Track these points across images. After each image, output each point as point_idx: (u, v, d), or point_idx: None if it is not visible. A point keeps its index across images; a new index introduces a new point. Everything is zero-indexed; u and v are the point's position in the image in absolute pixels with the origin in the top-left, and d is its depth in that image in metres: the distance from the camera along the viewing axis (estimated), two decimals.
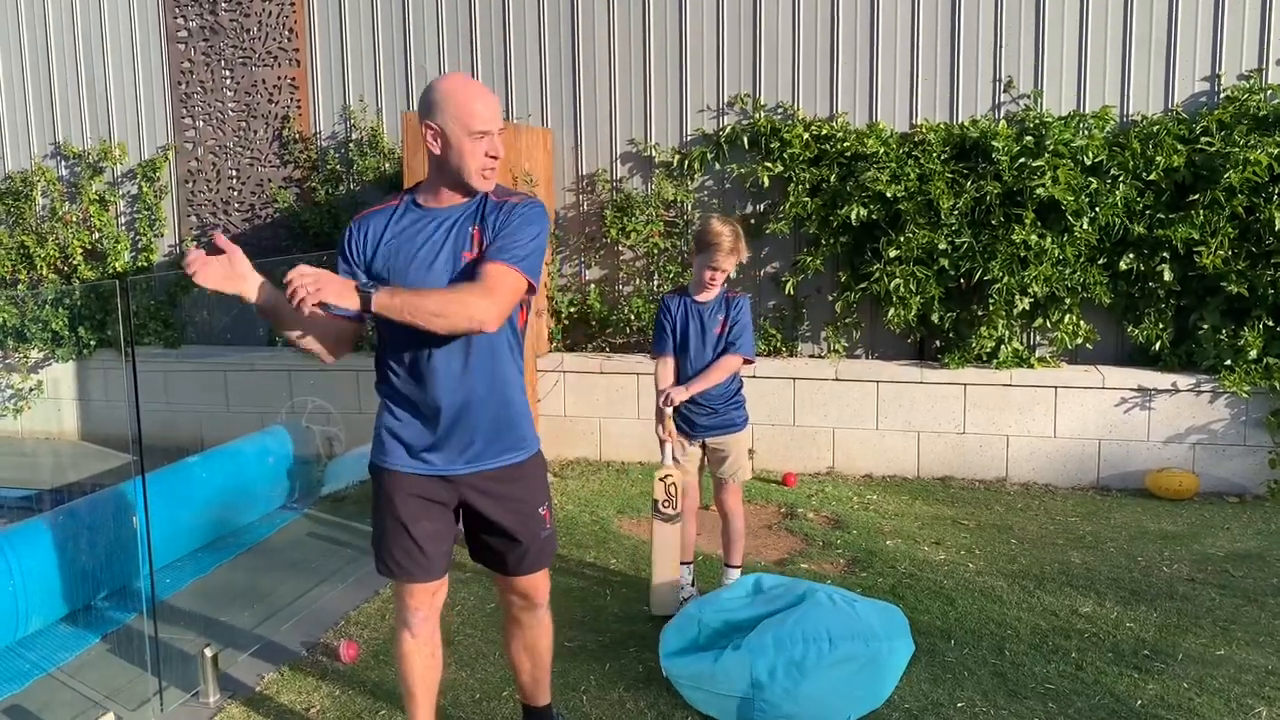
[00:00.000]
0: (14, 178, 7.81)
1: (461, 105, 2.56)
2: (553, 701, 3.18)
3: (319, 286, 2.37)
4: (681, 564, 4.28)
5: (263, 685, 3.68)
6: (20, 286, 7.83)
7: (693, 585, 4.32)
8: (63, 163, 7.81)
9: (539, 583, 2.90)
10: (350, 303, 2.41)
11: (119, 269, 7.65)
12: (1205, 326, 5.89)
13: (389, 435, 2.75)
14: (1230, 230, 5.72)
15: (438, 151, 2.61)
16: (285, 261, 7.30)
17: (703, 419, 4.11)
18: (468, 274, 2.57)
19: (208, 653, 3.57)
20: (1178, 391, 5.84)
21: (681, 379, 4.09)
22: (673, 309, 4.09)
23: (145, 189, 7.58)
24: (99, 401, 7.74)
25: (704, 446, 4.19)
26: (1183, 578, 4.51)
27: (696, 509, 4.32)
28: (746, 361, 4.09)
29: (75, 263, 7.70)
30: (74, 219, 7.73)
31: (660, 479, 4.03)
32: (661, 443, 4.11)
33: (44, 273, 7.78)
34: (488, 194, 2.68)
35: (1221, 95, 5.98)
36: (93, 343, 7.63)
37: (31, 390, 7.76)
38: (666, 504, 4.02)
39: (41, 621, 4.17)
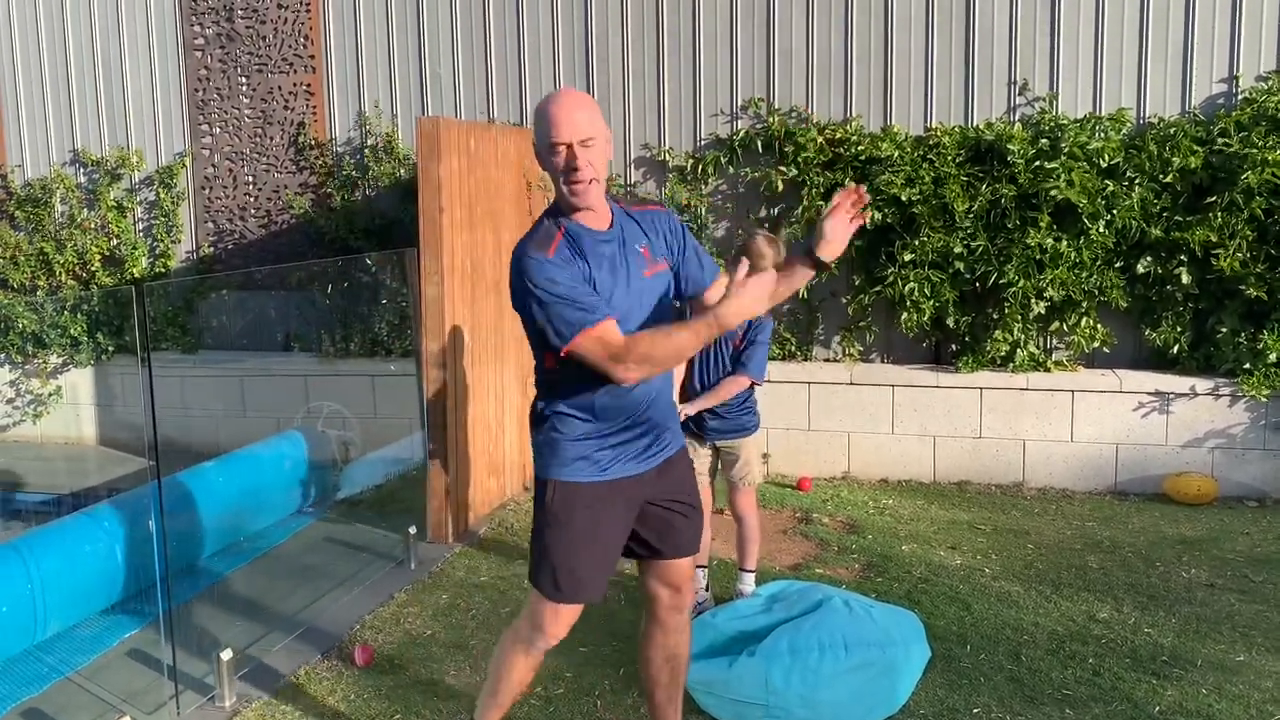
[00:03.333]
0: (33, 185, 7.87)
1: (541, 122, 2.52)
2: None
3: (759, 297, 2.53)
4: (697, 568, 4.28)
5: (278, 689, 3.69)
6: (39, 293, 7.90)
7: (707, 589, 4.32)
8: (81, 170, 7.87)
9: (691, 573, 2.91)
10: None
11: (136, 275, 7.71)
12: (1224, 329, 5.85)
13: (582, 447, 2.67)
14: (1249, 232, 5.68)
15: (543, 169, 2.64)
16: (301, 267, 7.35)
17: (714, 422, 4.11)
18: (655, 288, 2.67)
19: (224, 657, 3.59)
20: (1196, 395, 5.80)
21: (691, 383, 4.09)
22: None
23: (162, 195, 7.63)
24: (117, 406, 7.79)
25: (715, 449, 4.19)
26: (1201, 583, 4.48)
27: (710, 511, 4.31)
28: (753, 384, 4.10)
29: (93, 269, 7.75)
30: (92, 225, 7.79)
31: None
32: None
33: (63, 279, 7.84)
34: (624, 209, 2.70)
35: (1239, 96, 5.94)
36: (111, 348, 7.68)
37: (50, 395, 7.82)
38: None
39: (60, 625, 4.20)
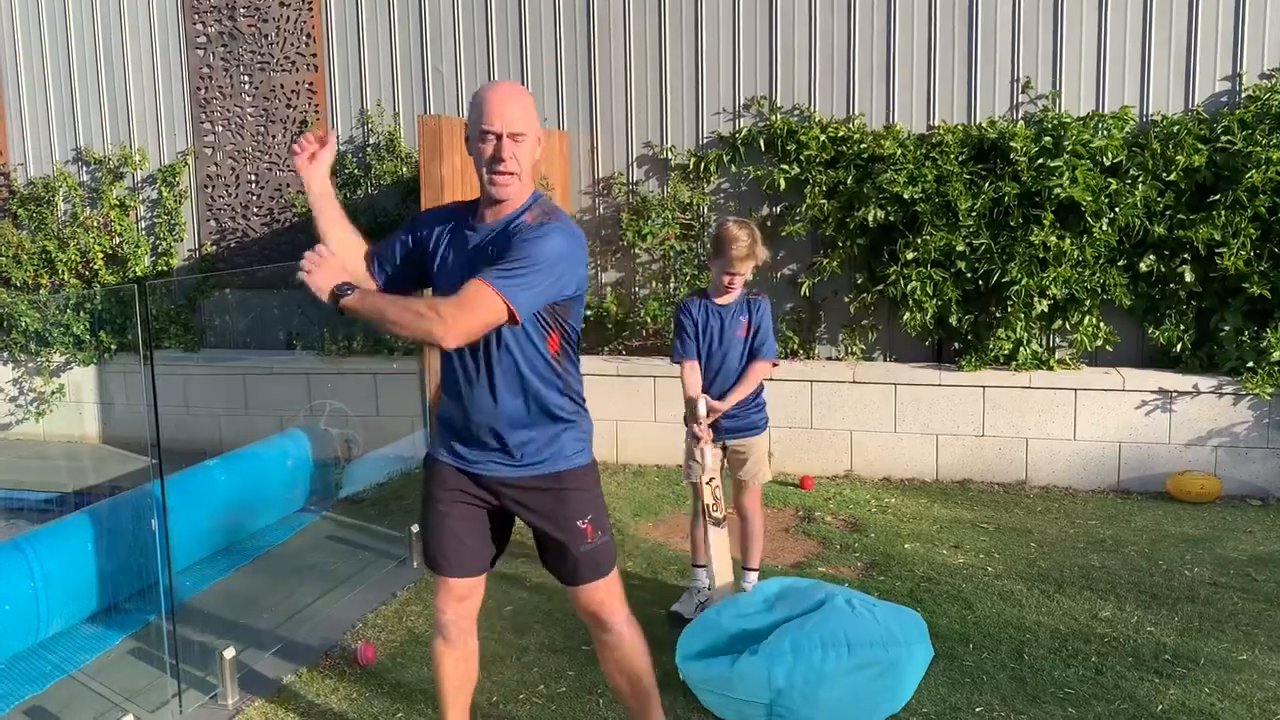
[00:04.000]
0: (36, 183, 7.88)
1: (477, 106, 2.55)
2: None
3: (309, 270, 2.50)
4: (697, 566, 4.28)
5: (280, 687, 3.69)
6: (42, 291, 7.90)
7: (709, 587, 4.31)
8: (84, 168, 7.88)
9: (597, 598, 2.80)
10: (324, 296, 2.47)
11: (139, 273, 7.71)
12: (1227, 328, 5.84)
13: (442, 426, 2.81)
14: (1252, 231, 5.67)
15: (470, 154, 2.62)
16: None
17: (725, 421, 4.10)
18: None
19: (226, 655, 3.59)
20: (1199, 394, 5.79)
21: (705, 383, 4.08)
22: (694, 312, 4.07)
23: (165, 194, 7.63)
24: (119, 405, 7.79)
25: (724, 449, 4.19)
26: (1205, 581, 4.47)
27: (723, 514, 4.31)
28: (773, 365, 4.10)
29: (96, 267, 7.76)
30: (95, 224, 7.80)
31: (707, 483, 4.01)
32: (700, 449, 4.04)
33: (65, 277, 7.84)
34: (527, 212, 2.59)
35: (1243, 94, 5.93)
36: (113, 347, 7.69)
37: (53, 394, 7.82)
38: (715, 508, 4.01)
39: (62, 623, 4.20)
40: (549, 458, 2.73)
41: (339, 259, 2.55)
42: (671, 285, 6.75)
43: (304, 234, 7.44)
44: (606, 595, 2.82)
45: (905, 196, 5.94)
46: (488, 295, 2.41)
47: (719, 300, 4.07)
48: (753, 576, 4.28)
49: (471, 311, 2.40)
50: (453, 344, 2.41)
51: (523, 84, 6.92)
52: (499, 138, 2.51)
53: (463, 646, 2.90)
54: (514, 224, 2.58)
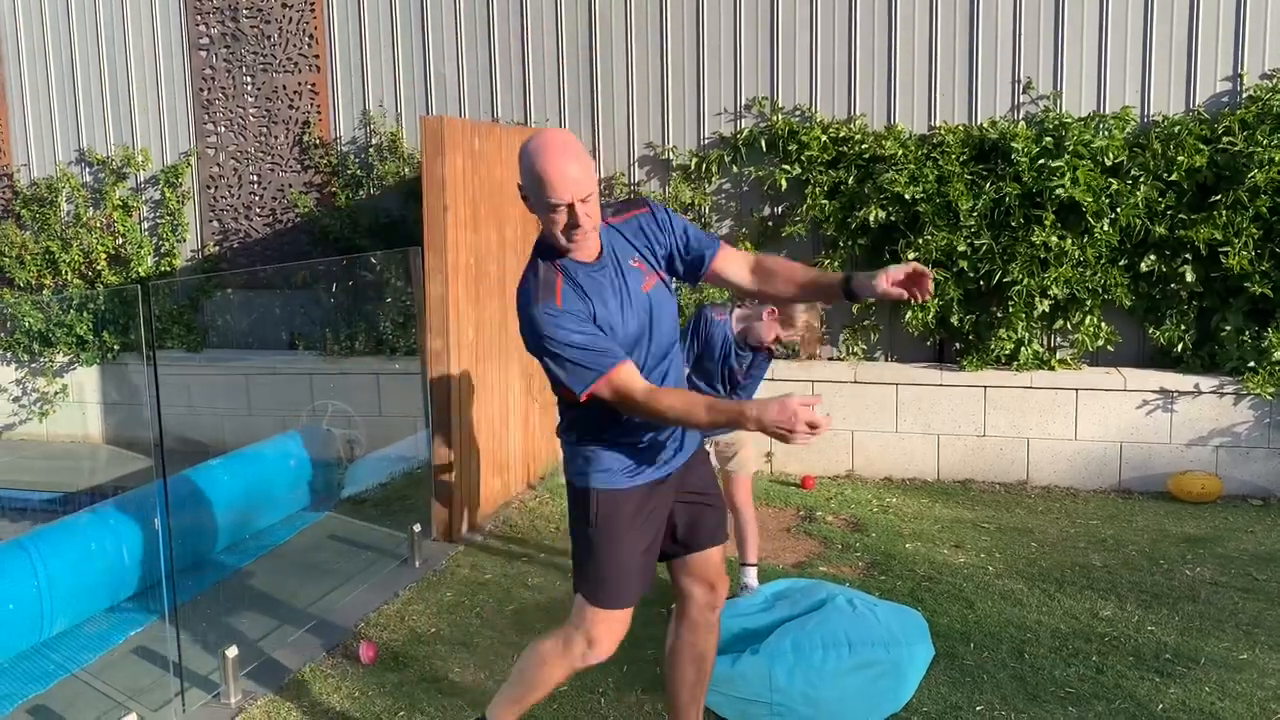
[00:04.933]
0: (39, 184, 7.90)
1: (538, 176, 2.41)
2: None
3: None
4: None
5: (283, 686, 3.70)
6: (45, 291, 7.92)
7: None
8: (87, 169, 7.90)
9: (724, 568, 2.90)
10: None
11: (142, 273, 7.73)
12: (1228, 328, 5.84)
13: (617, 452, 2.66)
14: (1254, 231, 5.67)
15: (530, 211, 2.55)
16: (305, 266, 7.36)
17: None
18: (658, 300, 2.66)
19: (229, 654, 3.60)
20: (1200, 393, 5.79)
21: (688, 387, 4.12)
22: (715, 328, 4.07)
23: (168, 194, 7.65)
24: (122, 405, 7.81)
25: (714, 445, 4.21)
26: (1205, 581, 4.48)
27: None
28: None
29: (99, 268, 7.77)
30: (98, 224, 7.81)
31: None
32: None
33: (69, 278, 7.86)
34: (610, 223, 2.65)
35: (1244, 95, 5.93)
36: (116, 347, 7.70)
37: (57, 394, 7.84)
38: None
39: (66, 623, 4.22)
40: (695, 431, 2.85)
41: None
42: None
43: (305, 234, 7.46)
44: (725, 562, 2.92)
45: (906, 197, 5.94)
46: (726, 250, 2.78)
47: (743, 348, 4.10)
48: (751, 572, 4.29)
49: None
50: None
51: (524, 83, 6.93)
52: (570, 207, 2.43)
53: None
54: (638, 224, 2.69)
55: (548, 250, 2.57)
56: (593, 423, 2.64)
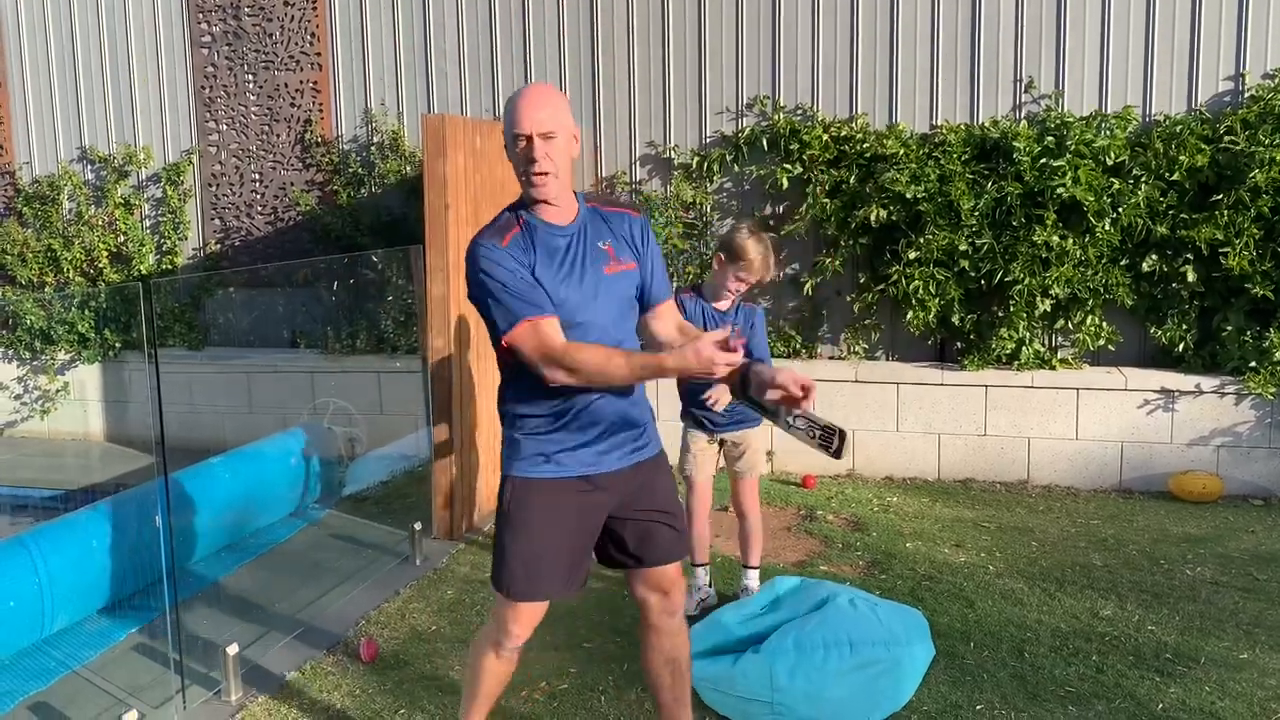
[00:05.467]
0: (41, 182, 7.90)
1: (508, 113, 2.57)
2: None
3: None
4: (697, 566, 4.29)
5: (283, 684, 3.71)
6: (47, 289, 7.93)
7: (709, 585, 4.33)
8: (89, 167, 7.90)
9: (679, 576, 2.87)
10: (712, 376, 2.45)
11: (144, 271, 7.73)
12: (1229, 328, 5.84)
13: (551, 443, 2.67)
14: (1255, 231, 5.67)
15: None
16: (307, 264, 7.37)
17: (721, 416, 4.11)
18: (621, 293, 2.66)
19: (230, 651, 3.60)
20: (1201, 393, 5.79)
21: (686, 386, 4.11)
22: (688, 308, 4.03)
23: (170, 192, 7.65)
24: (124, 402, 7.82)
25: (721, 444, 4.20)
26: (1206, 581, 4.48)
27: (709, 511, 4.32)
28: None
29: (101, 265, 7.78)
30: (99, 222, 7.82)
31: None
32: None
33: (70, 275, 7.86)
34: (593, 206, 2.69)
35: (1246, 94, 5.93)
36: (118, 345, 7.71)
37: (58, 391, 7.85)
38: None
39: (67, 620, 4.22)
40: (657, 437, 2.84)
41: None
42: (675, 284, 6.75)
43: (307, 232, 7.46)
44: (680, 572, 2.89)
45: (908, 196, 5.94)
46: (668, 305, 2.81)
47: (717, 305, 4.05)
48: (754, 575, 4.29)
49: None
50: None
51: (526, 82, 6.87)
52: (529, 139, 2.53)
53: (515, 662, 2.90)
54: (624, 220, 2.71)
55: (520, 204, 2.66)
56: (521, 404, 2.67)
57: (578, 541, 2.71)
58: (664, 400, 6.41)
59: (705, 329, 4.01)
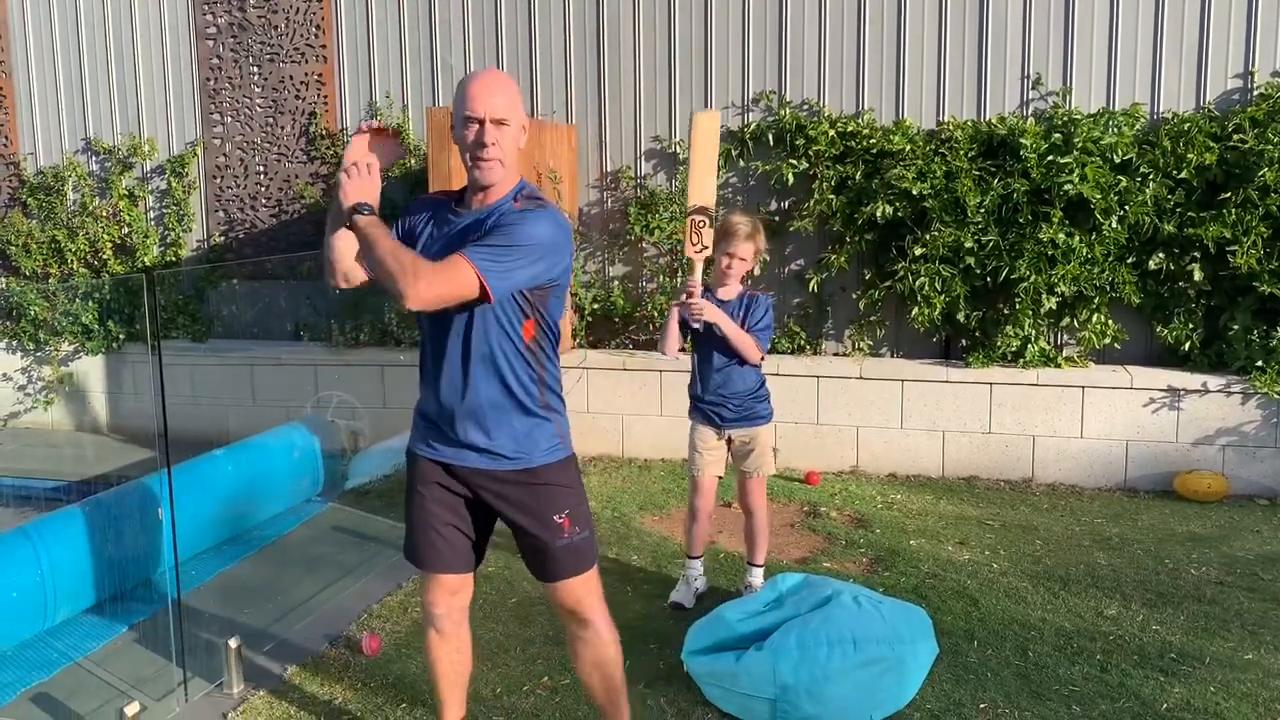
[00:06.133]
0: (46, 173, 7.90)
1: (461, 92, 2.57)
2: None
3: (348, 177, 2.53)
4: (691, 558, 4.29)
5: (286, 677, 3.70)
6: (51, 280, 7.92)
7: (703, 576, 4.34)
8: (93, 158, 7.89)
9: (575, 595, 2.76)
10: (347, 203, 2.52)
11: (148, 263, 7.73)
12: (1236, 327, 5.82)
13: (418, 419, 2.83)
14: (1263, 230, 5.64)
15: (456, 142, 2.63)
16: (311, 256, 7.36)
17: (729, 412, 4.10)
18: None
19: (232, 644, 3.60)
20: (1207, 392, 5.77)
21: (698, 371, 4.11)
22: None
23: (174, 184, 7.65)
24: (127, 394, 7.82)
25: (729, 441, 4.19)
26: (1211, 580, 4.46)
27: (713, 507, 4.32)
28: (759, 354, 4.05)
29: (105, 257, 7.78)
30: (104, 213, 7.81)
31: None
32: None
33: (74, 266, 7.86)
34: (514, 199, 2.62)
35: (1255, 92, 5.90)
36: (122, 336, 7.71)
37: (61, 383, 7.85)
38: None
39: (69, 611, 4.22)
40: (526, 453, 2.69)
41: (377, 182, 2.56)
42: (679, 280, 6.74)
43: (311, 225, 7.45)
44: (585, 592, 2.78)
45: (914, 192, 5.92)
46: (464, 269, 2.41)
47: (721, 295, 4.07)
48: (758, 573, 4.28)
49: (445, 281, 2.40)
50: (413, 305, 2.37)
51: (532, 76, 6.92)
52: (481, 123, 2.54)
53: (457, 639, 2.92)
54: (500, 210, 2.59)
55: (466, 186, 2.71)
56: (419, 379, 2.80)
57: (433, 519, 2.79)
58: (669, 397, 6.41)
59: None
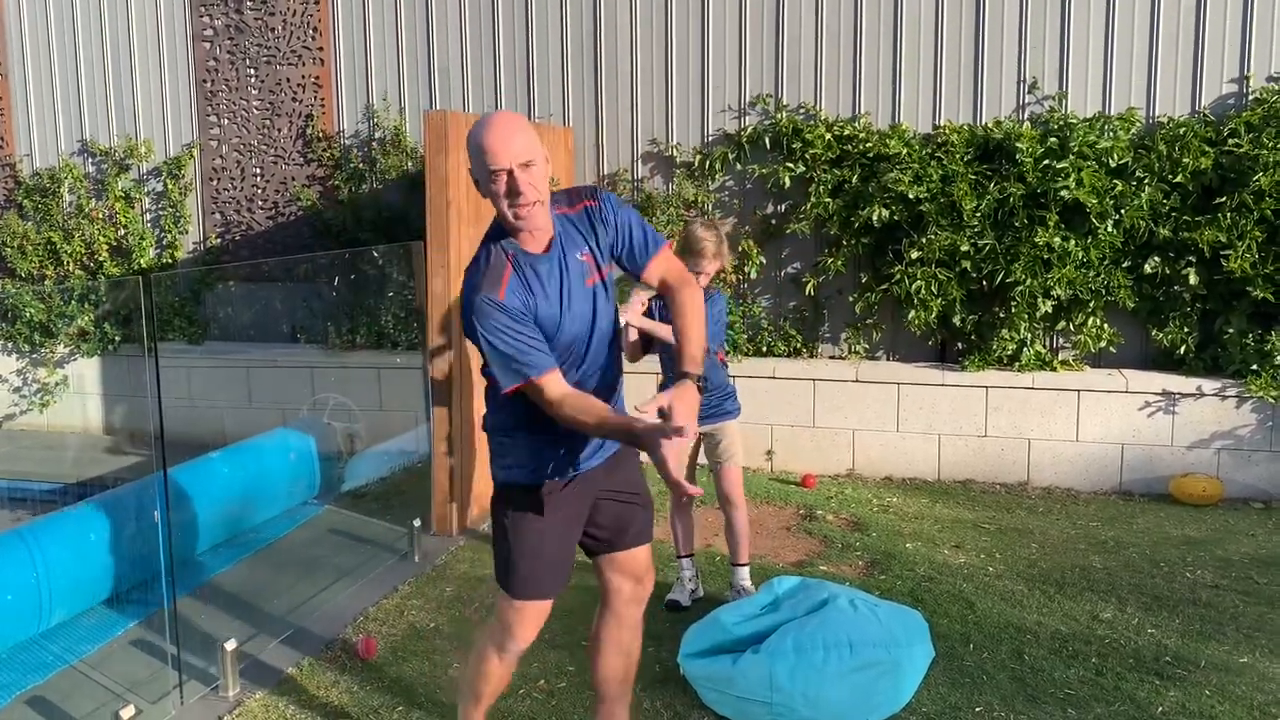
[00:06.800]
0: (42, 174, 7.89)
1: (478, 149, 2.48)
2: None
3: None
4: (682, 557, 4.31)
5: (281, 680, 3.70)
6: (47, 282, 7.91)
7: (696, 577, 4.35)
8: (90, 160, 7.89)
9: (650, 563, 2.92)
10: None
11: (144, 265, 7.72)
12: (1231, 331, 5.83)
13: (527, 451, 2.69)
14: (1258, 234, 5.66)
15: (484, 197, 2.56)
16: (307, 259, 7.36)
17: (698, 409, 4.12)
18: (599, 295, 2.65)
19: (228, 647, 3.60)
20: (1203, 396, 5.79)
21: (663, 375, 4.21)
22: (653, 308, 4.11)
23: (170, 186, 7.64)
24: (123, 396, 7.81)
25: (700, 437, 4.22)
26: (1206, 584, 4.47)
27: (692, 505, 4.36)
28: (717, 354, 4.08)
29: (101, 259, 7.77)
30: (100, 215, 7.81)
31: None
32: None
33: (70, 269, 7.85)
34: (558, 208, 2.64)
35: (1250, 97, 5.92)
36: (117, 338, 7.70)
37: (57, 385, 7.84)
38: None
39: (65, 614, 4.22)
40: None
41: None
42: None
43: (307, 228, 7.45)
44: (651, 558, 2.92)
45: (910, 196, 5.93)
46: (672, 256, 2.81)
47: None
48: (744, 573, 4.26)
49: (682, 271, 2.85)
50: None
51: (528, 79, 6.92)
52: (510, 173, 2.46)
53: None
54: (574, 220, 2.66)
55: (499, 233, 2.59)
56: (513, 416, 2.67)
57: (573, 540, 2.78)
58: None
59: (666, 317, 4.03)
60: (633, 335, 4.05)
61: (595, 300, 2.65)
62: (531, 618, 2.76)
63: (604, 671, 2.96)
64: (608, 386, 2.74)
